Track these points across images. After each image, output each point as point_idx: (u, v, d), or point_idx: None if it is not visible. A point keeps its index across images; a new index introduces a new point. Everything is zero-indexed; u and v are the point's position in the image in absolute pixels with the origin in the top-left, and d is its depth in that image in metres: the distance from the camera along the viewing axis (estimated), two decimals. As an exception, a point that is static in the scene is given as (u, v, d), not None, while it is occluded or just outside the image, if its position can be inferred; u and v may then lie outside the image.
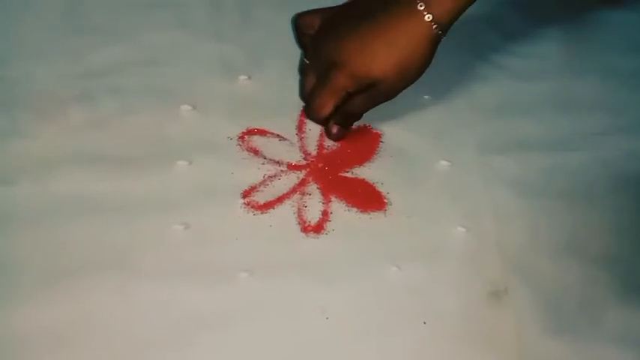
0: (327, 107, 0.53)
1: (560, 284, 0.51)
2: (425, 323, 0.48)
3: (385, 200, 0.55)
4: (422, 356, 0.47)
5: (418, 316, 0.49)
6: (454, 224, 0.54)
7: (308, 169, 0.56)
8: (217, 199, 0.53)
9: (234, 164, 0.55)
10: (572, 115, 0.62)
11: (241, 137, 0.58)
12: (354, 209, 0.54)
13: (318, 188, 0.55)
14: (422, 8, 0.50)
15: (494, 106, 0.62)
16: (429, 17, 0.50)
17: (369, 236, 0.52)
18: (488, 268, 0.52)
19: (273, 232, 0.52)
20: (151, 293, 0.48)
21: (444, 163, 0.57)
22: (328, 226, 0.53)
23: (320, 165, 0.56)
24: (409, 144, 0.58)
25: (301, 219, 0.53)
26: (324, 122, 0.55)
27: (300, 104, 0.57)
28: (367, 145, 0.57)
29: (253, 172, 0.55)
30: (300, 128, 0.58)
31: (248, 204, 0.53)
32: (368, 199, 0.54)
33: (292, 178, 0.55)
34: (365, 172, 0.56)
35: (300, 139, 0.58)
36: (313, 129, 0.58)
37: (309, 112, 0.54)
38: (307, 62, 0.55)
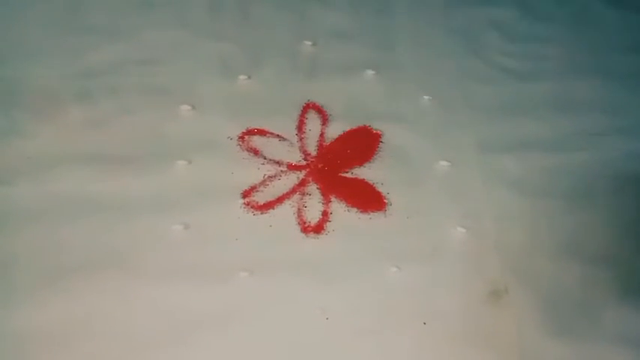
0: None
1: (560, 284, 0.51)
2: (425, 323, 0.48)
3: (385, 200, 0.55)
4: (422, 355, 0.48)
5: (418, 315, 0.49)
6: (454, 224, 0.54)
7: (308, 170, 0.56)
8: (217, 199, 0.53)
9: (234, 164, 0.55)
10: (572, 115, 0.62)
11: (241, 137, 0.58)
12: (354, 209, 0.54)
13: (318, 188, 0.55)
14: None
15: (494, 107, 0.62)
16: None
17: (368, 236, 0.52)
18: (488, 268, 0.52)
19: (273, 232, 0.52)
20: (150, 292, 0.48)
21: (443, 163, 0.57)
22: (328, 226, 0.53)
23: (320, 165, 0.56)
24: (409, 144, 0.58)
25: (301, 219, 0.53)
26: None
27: (300, 104, 0.57)
28: (367, 145, 0.57)
29: (253, 172, 0.55)
30: (300, 128, 0.58)
31: (248, 204, 0.53)
32: (368, 199, 0.54)
33: (292, 179, 0.55)
34: (365, 172, 0.56)
35: (300, 139, 0.58)
36: (313, 129, 0.58)
37: None
38: None
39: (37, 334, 0.46)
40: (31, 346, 0.45)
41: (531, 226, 0.54)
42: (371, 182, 0.56)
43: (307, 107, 0.59)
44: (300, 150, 0.57)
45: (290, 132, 0.58)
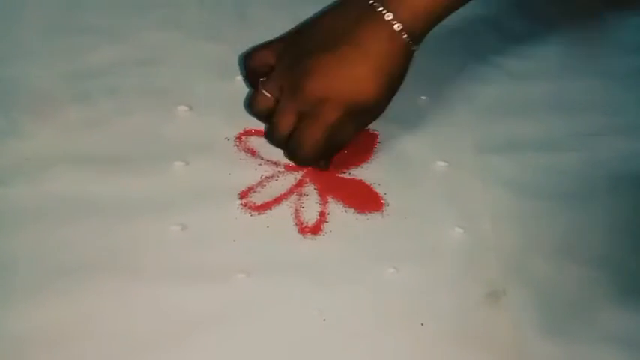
0: (322, 144, 0.52)
1: (557, 285, 0.51)
2: (422, 324, 0.48)
3: (382, 201, 0.55)
4: (419, 357, 0.47)
5: (415, 317, 0.49)
6: (451, 225, 0.54)
7: (305, 170, 0.56)
8: (214, 200, 0.53)
9: (231, 165, 0.55)
10: (569, 115, 0.62)
11: (238, 138, 0.58)
12: (352, 210, 0.54)
13: (315, 189, 0.55)
14: (390, 18, 0.49)
15: (492, 107, 0.62)
16: (398, 26, 0.49)
17: (366, 237, 0.52)
18: (486, 269, 0.52)
19: (270, 233, 0.52)
20: (147, 294, 0.48)
21: (441, 163, 0.57)
22: (325, 227, 0.53)
23: (317, 166, 0.56)
24: (406, 145, 0.58)
25: (298, 220, 0.53)
26: (314, 162, 0.54)
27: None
28: (364, 146, 0.57)
29: (250, 173, 0.55)
30: (297, 129, 0.58)
31: (245, 205, 0.53)
32: (365, 200, 0.54)
33: (289, 179, 0.55)
34: (362, 172, 0.56)
35: (298, 140, 0.57)
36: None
37: (295, 154, 0.53)
38: (281, 102, 0.52)
39: (34, 335, 0.46)
40: (28, 347, 0.45)
41: (529, 227, 0.54)
42: (368, 183, 0.56)
43: (304, 107, 0.58)
44: (297, 151, 0.57)
45: (287, 132, 0.58)
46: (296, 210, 0.54)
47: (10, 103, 0.58)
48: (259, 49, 0.55)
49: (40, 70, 0.60)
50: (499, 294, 0.50)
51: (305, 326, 0.48)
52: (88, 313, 0.47)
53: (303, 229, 0.53)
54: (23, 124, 0.57)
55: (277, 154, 0.56)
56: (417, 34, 0.50)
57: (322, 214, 0.54)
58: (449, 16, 0.51)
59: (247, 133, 0.58)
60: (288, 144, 0.53)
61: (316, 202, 0.54)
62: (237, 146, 0.57)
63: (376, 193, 0.55)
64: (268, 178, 0.55)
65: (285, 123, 0.52)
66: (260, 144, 0.57)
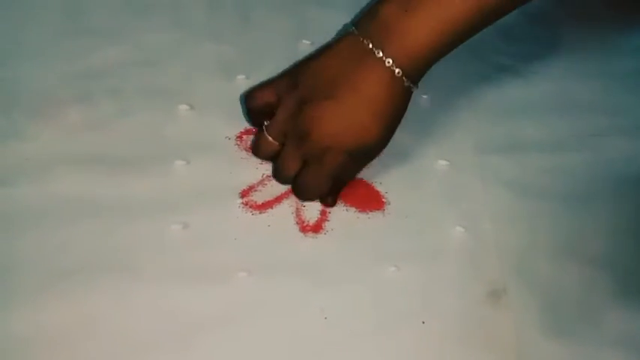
0: (326, 185, 0.52)
1: (559, 285, 0.51)
2: (423, 323, 0.48)
3: (383, 200, 0.55)
4: (420, 356, 0.47)
5: (417, 316, 0.49)
6: (453, 224, 0.54)
7: (306, 169, 0.56)
8: (215, 199, 0.53)
9: (232, 164, 0.55)
10: (571, 116, 0.62)
11: (239, 137, 0.58)
12: (353, 209, 0.54)
13: (316, 187, 0.55)
14: (390, 64, 0.49)
15: (494, 107, 0.62)
16: (398, 72, 0.49)
17: (367, 236, 0.52)
18: (487, 269, 0.51)
19: (271, 232, 0.52)
20: (149, 293, 0.48)
21: (442, 162, 0.57)
22: (327, 225, 0.53)
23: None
24: (408, 144, 0.58)
25: (299, 219, 0.53)
26: (321, 200, 0.54)
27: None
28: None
29: (251, 171, 0.55)
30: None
31: (246, 204, 0.53)
32: (366, 198, 0.54)
33: (290, 178, 0.55)
34: (363, 171, 0.56)
35: (299, 139, 0.57)
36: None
37: (302, 195, 0.53)
38: (286, 149, 0.53)
39: (36, 335, 0.46)
40: (31, 347, 0.45)
41: (530, 227, 0.54)
42: (369, 182, 0.56)
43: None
44: (298, 149, 0.57)
45: (288, 131, 0.58)
46: (297, 209, 0.54)
47: (11, 103, 0.58)
48: (260, 90, 0.55)
49: (42, 71, 0.60)
50: (500, 293, 0.50)
51: (306, 325, 0.48)
52: (89, 313, 0.47)
53: (304, 228, 0.52)
54: (25, 125, 0.57)
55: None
56: (416, 77, 0.50)
57: (323, 213, 0.53)
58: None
59: (248, 132, 0.58)
60: (294, 184, 0.53)
61: (317, 201, 0.54)
62: (238, 145, 0.57)
63: (377, 192, 0.55)
64: (269, 176, 0.55)
65: (291, 167, 0.53)
66: (261, 143, 0.57)
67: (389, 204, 0.54)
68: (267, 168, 0.56)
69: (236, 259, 0.50)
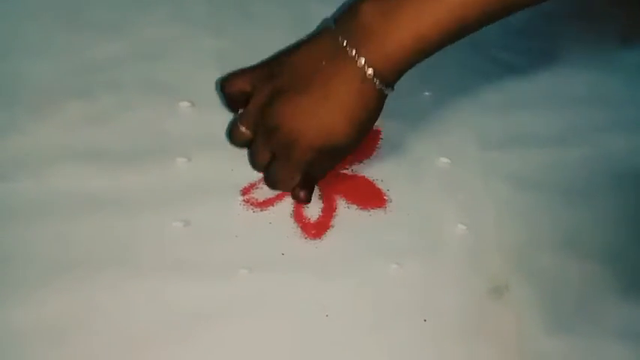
0: (294, 180, 0.52)
1: (561, 280, 0.51)
2: (425, 320, 0.48)
3: (385, 197, 0.55)
4: (422, 353, 0.48)
5: (418, 312, 0.49)
6: (454, 221, 0.54)
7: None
8: (217, 196, 0.53)
9: (233, 161, 0.55)
10: (572, 111, 0.62)
11: (240, 135, 0.57)
12: (354, 206, 0.54)
13: (317, 185, 0.55)
14: (362, 64, 0.48)
15: (495, 103, 0.62)
16: (370, 73, 0.48)
17: (369, 233, 0.52)
18: (489, 265, 0.52)
19: (272, 230, 0.52)
20: (150, 290, 0.48)
21: (444, 159, 0.57)
22: (328, 223, 0.53)
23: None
24: (409, 141, 0.58)
25: (301, 216, 0.53)
26: (293, 194, 0.53)
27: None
28: (367, 142, 0.57)
29: (252, 169, 0.55)
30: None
31: (247, 201, 0.53)
32: (368, 196, 0.54)
33: (292, 175, 0.55)
34: (365, 169, 0.56)
35: (300, 136, 0.57)
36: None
37: (272, 184, 0.53)
38: (256, 140, 0.53)
39: (35, 329, 0.46)
40: (29, 342, 0.45)
41: (532, 223, 0.54)
42: (371, 179, 0.56)
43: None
44: (300, 147, 0.57)
45: (289, 128, 0.58)
46: (298, 206, 0.53)
47: (11, 98, 0.58)
48: (236, 76, 0.54)
49: (42, 66, 0.60)
50: (502, 289, 0.50)
51: (307, 322, 0.48)
52: (90, 308, 0.47)
53: (305, 226, 0.52)
54: (25, 120, 0.56)
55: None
56: (389, 79, 0.49)
57: (325, 211, 0.53)
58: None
59: (249, 129, 0.58)
60: (264, 175, 0.53)
61: (319, 198, 0.54)
62: (239, 143, 0.57)
63: (379, 189, 0.55)
64: (270, 174, 0.55)
65: (261, 158, 0.53)
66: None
67: (390, 201, 0.54)
68: (268, 165, 0.55)
69: (237, 256, 0.50)
